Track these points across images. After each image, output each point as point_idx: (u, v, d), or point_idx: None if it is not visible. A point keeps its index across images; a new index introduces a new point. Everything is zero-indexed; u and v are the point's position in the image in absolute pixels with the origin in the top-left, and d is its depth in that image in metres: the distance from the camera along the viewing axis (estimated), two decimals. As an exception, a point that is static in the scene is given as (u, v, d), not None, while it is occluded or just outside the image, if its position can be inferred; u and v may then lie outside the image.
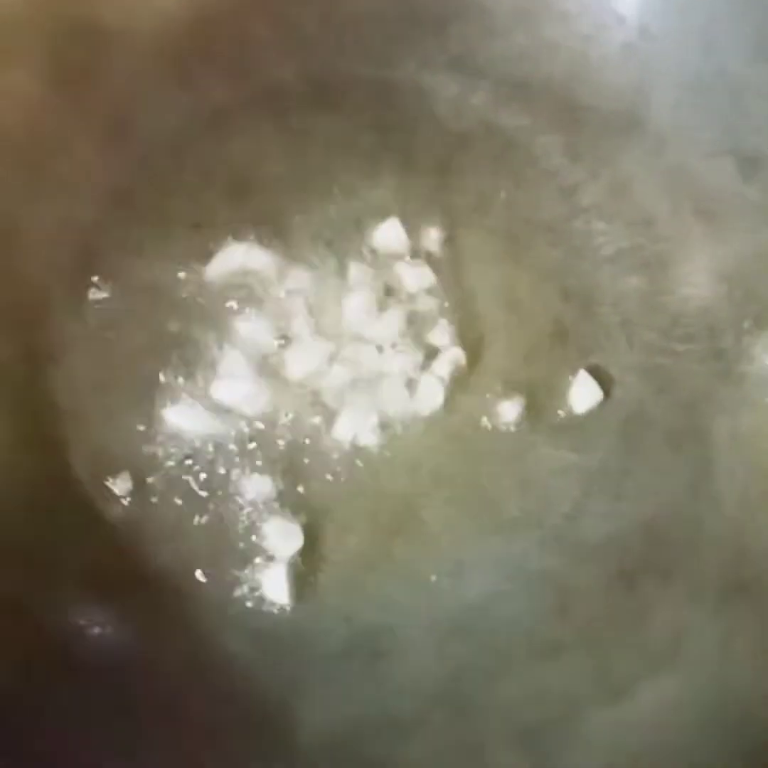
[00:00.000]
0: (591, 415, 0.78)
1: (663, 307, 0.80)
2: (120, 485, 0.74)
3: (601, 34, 0.84)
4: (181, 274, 0.79)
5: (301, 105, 0.84)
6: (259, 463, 0.75)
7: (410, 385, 0.77)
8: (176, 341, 0.78)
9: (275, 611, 0.73)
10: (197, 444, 0.76)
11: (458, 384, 0.78)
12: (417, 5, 0.84)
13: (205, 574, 0.73)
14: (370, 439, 0.76)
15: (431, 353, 0.78)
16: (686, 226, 0.81)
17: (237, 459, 0.76)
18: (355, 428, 0.76)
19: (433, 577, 0.74)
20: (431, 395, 0.77)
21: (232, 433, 0.76)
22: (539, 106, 0.84)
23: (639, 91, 0.83)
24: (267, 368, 0.77)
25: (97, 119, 0.81)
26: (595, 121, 0.84)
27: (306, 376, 0.77)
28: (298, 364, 0.77)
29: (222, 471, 0.75)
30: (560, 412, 0.78)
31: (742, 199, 0.79)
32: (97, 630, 0.71)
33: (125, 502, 0.74)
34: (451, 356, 0.78)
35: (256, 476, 0.75)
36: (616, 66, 0.84)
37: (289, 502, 0.75)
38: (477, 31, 0.84)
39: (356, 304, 0.78)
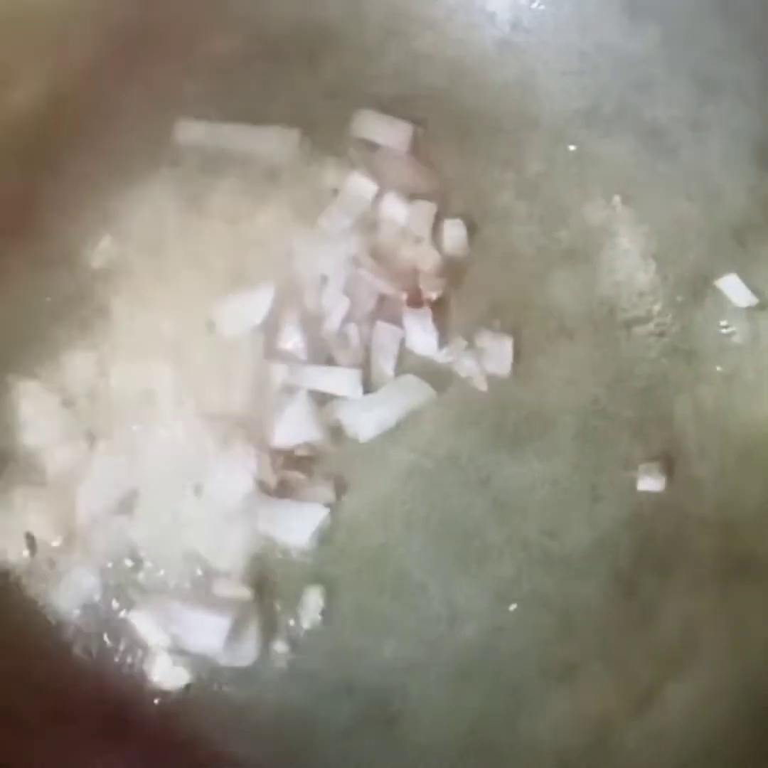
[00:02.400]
0: (548, 420, 0.76)
1: (596, 299, 0.78)
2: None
3: (473, 35, 0.81)
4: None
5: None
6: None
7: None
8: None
9: (271, 699, 0.68)
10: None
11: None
12: (281, 43, 0.81)
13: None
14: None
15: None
16: (601, 211, 0.79)
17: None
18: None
19: (428, 627, 0.70)
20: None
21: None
22: (427, 118, 0.81)
23: (523, 86, 0.81)
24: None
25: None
26: (485, 124, 0.81)
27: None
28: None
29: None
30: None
31: (651, 172, 0.78)
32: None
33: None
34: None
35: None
36: (495, 65, 0.82)
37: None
38: (349, 57, 0.81)
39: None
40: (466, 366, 0.76)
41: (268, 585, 0.70)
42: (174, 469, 0.72)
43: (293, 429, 0.73)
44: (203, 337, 0.75)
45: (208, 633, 0.68)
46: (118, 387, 0.74)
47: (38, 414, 0.73)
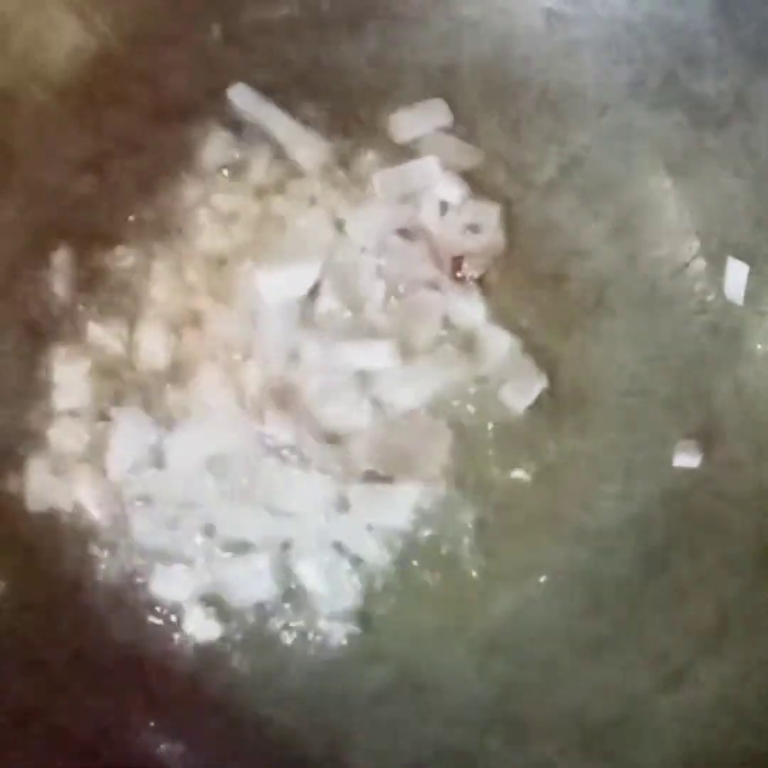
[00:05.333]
0: (586, 395, 0.75)
1: (638, 274, 0.77)
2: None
3: (521, 5, 0.80)
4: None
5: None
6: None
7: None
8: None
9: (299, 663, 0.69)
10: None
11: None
12: (326, 10, 0.80)
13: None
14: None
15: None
16: (646, 186, 0.78)
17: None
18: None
19: (459, 595, 0.71)
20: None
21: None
22: (470, 88, 0.81)
23: (570, 57, 0.80)
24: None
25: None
26: (530, 96, 0.81)
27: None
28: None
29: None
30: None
31: (698, 147, 0.76)
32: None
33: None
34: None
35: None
36: (541, 35, 0.80)
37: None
38: (391, 24, 0.80)
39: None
40: (503, 339, 0.75)
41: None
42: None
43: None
44: (240, 307, 0.75)
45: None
46: (147, 357, 0.75)
47: (71, 379, 0.74)
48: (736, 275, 0.75)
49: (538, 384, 0.74)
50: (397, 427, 0.74)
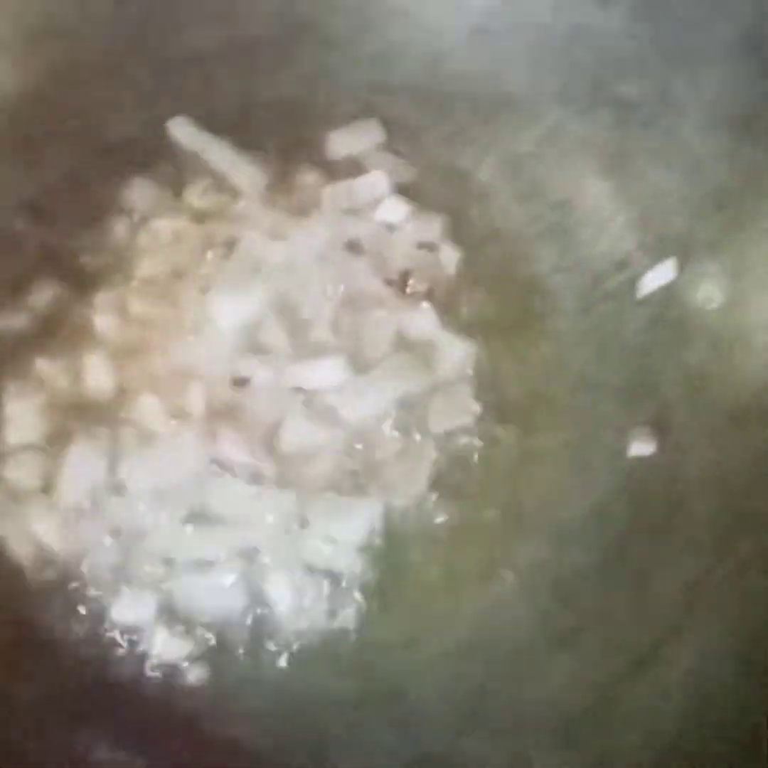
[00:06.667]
0: (537, 393, 0.76)
1: (580, 272, 0.79)
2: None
3: (447, 23, 0.83)
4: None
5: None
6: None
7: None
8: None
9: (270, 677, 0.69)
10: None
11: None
12: (258, 37, 0.82)
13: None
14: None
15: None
16: (581, 186, 0.80)
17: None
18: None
19: (426, 599, 0.71)
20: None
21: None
22: (403, 105, 0.83)
23: (499, 69, 0.82)
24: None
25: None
26: (462, 109, 0.83)
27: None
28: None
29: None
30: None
31: (628, 146, 0.78)
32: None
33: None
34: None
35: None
36: (470, 51, 0.83)
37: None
38: (323, 47, 0.82)
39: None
40: (456, 347, 0.76)
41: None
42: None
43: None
44: (186, 333, 0.76)
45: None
46: (95, 387, 0.75)
47: (22, 414, 0.74)
48: (667, 268, 0.77)
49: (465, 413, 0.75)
50: (355, 441, 0.74)
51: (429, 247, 0.79)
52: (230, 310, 0.75)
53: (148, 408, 0.73)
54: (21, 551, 0.71)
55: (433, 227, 0.79)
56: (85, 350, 0.75)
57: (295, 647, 0.69)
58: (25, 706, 0.66)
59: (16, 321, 0.76)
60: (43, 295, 0.77)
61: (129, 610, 0.69)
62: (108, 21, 0.80)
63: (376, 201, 0.79)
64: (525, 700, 0.67)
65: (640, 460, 0.73)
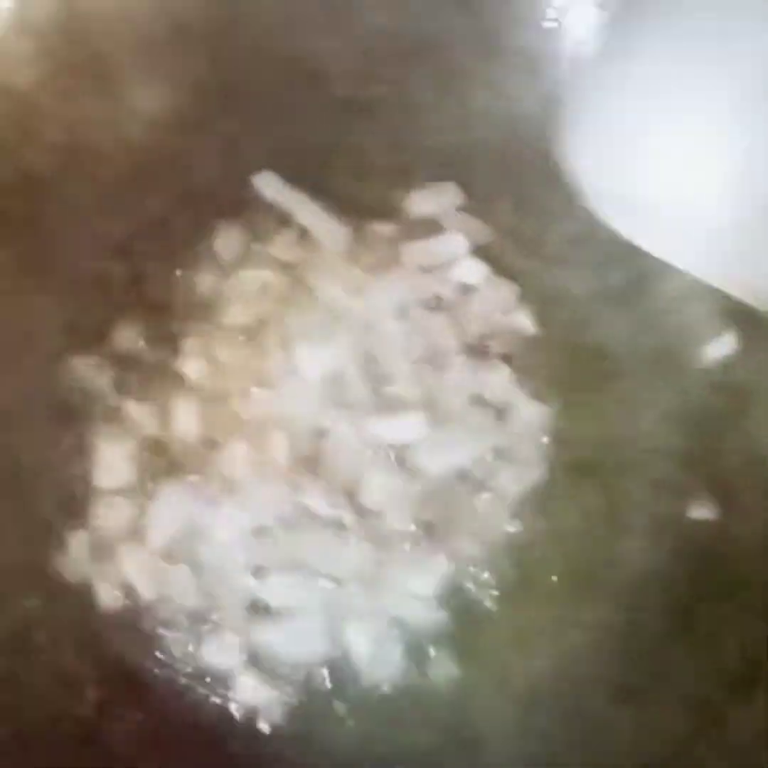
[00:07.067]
0: (600, 455, 0.80)
1: (648, 336, 0.82)
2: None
3: (524, 91, 0.86)
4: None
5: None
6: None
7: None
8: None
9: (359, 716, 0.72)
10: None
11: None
12: (345, 98, 0.85)
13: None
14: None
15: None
16: (652, 255, 0.83)
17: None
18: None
19: (497, 653, 0.74)
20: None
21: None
22: (481, 169, 0.86)
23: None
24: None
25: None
26: (537, 175, 0.85)
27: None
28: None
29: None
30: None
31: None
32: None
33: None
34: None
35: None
36: (542, 117, 0.85)
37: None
38: (406, 110, 0.86)
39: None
40: (531, 408, 0.80)
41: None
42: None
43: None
44: (271, 382, 0.79)
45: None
46: (183, 431, 0.77)
47: (113, 458, 0.76)
48: (731, 339, 0.80)
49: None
50: (431, 494, 0.77)
51: (505, 309, 0.82)
52: (315, 360, 0.78)
53: (234, 454, 0.76)
54: (109, 594, 0.73)
55: (509, 290, 0.82)
56: (172, 395, 0.78)
57: (374, 696, 0.72)
58: (119, 749, 0.69)
59: (104, 363, 0.79)
60: (130, 338, 0.80)
61: (217, 654, 0.72)
62: (202, 74, 0.83)
63: (453, 261, 0.82)
64: (595, 752, 0.70)
65: (701, 523, 0.77)
